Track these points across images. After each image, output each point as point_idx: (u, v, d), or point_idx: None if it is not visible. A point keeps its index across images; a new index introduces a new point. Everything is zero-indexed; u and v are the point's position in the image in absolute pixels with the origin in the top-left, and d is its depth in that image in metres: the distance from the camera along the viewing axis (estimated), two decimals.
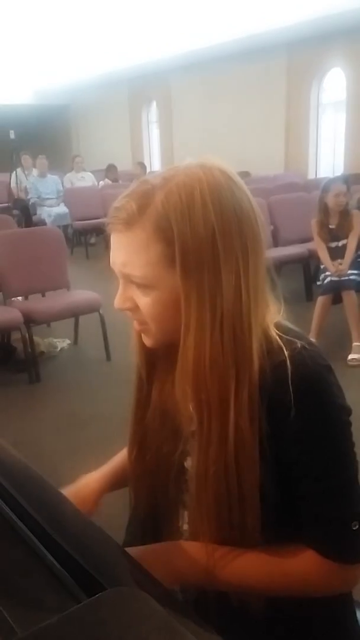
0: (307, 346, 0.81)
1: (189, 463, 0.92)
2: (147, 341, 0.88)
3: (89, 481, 1.07)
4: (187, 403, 0.84)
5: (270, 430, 0.78)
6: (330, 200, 4.29)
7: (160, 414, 0.93)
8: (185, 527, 0.95)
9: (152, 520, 0.98)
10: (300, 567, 0.83)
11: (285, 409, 0.77)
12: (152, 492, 0.96)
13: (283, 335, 0.82)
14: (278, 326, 0.83)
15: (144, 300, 0.82)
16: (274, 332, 0.81)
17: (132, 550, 0.82)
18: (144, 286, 0.80)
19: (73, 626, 0.48)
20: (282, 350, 0.79)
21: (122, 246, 0.80)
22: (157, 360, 0.93)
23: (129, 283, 0.83)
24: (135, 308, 0.84)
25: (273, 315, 0.84)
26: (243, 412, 0.78)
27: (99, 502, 1.06)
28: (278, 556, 0.83)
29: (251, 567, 0.83)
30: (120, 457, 1.11)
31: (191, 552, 0.85)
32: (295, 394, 0.76)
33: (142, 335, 0.88)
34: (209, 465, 0.80)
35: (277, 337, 0.81)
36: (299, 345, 0.80)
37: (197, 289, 0.76)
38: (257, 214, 0.80)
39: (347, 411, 0.82)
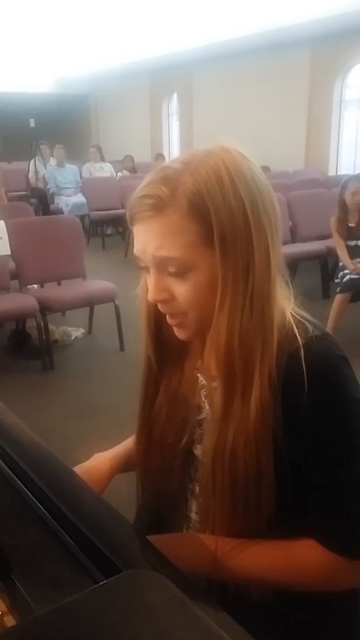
0: (322, 335, 0.81)
1: (198, 451, 0.92)
2: (182, 334, 0.86)
3: (101, 461, 1.07)
4: (210, 381, 0.83)
5: (284, 415, 0.78)
6: (348, 198, 4.26)
7: (167, 404, 0.93)
8: (193, 515, 0.95)
9: (159, 509, 0.98)
10: (305, 559, 0.82)
11: (299, 396, 0.77)
12: (158, 482, 0.96)
13: (301, 320, 0.82)
14: (294, 312, 0.84)
15: (181, 288, 0.80)
16: (290, 317, 0.82)
17: None
18: (182, 270, 0.79)
19: (90, 605, 0.49)
20: (297, 337, 0.79)
21: (154, 232, 0.78)
22: (169, 352, 0.92)
23: (164, 272, 0.80)
24: (172, 299, 0.82)
25: (287, 302, 0.84)
26: (265, 387, 0.78)
27: (110, 482, 1.06)
28: (284, 548, 0.83)
29: (257, 559, 0.83)
30: (132, 440, 1.11)
31: (198, 543, 0.84)
32: (309, 382, 0.76)
33: (176, 329, 0.86)
34: (227, 441, 0.80)
35: (293, 323, 0.81)
36: (313, 333, 0.80)
37: (233, 266, 0.76)
38: (272, 192, 0.81)
39: None
